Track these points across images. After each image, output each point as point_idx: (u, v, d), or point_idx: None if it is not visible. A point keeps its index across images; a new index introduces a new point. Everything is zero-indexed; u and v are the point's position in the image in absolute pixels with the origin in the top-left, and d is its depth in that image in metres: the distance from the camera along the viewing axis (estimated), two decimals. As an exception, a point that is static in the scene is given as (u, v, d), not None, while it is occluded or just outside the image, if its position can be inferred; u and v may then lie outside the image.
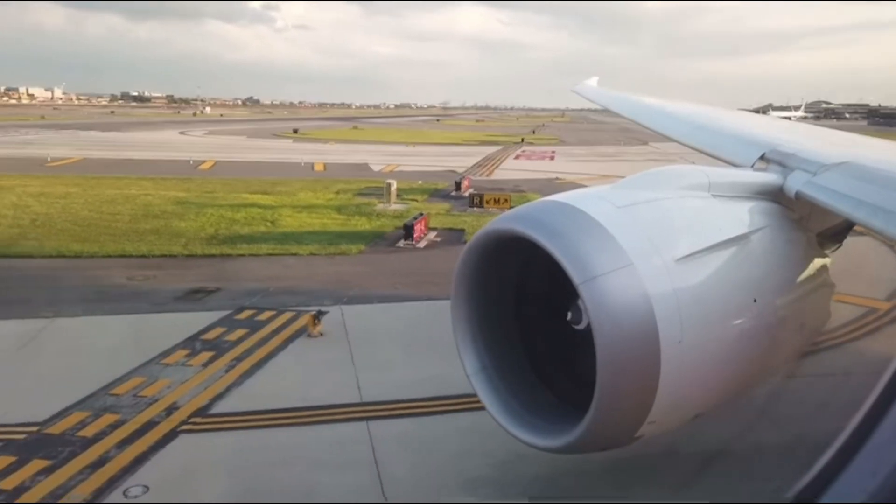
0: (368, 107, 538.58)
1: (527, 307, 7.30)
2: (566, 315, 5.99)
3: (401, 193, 37.27)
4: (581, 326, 5.78)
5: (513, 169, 56.30)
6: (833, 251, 8.84)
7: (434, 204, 35.75)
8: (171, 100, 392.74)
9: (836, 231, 8.81)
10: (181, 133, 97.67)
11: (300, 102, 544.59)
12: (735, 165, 8.91)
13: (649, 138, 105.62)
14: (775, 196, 7.53)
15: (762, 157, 8.43)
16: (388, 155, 66.74)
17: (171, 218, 29.79)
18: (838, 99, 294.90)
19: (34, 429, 10.71)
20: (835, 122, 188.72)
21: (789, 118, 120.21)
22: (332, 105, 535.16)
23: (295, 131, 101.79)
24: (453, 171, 52.50)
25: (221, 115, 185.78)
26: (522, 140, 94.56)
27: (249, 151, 69.29)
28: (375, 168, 54.57)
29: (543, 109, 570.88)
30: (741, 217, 6.89)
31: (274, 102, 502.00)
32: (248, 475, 9.62)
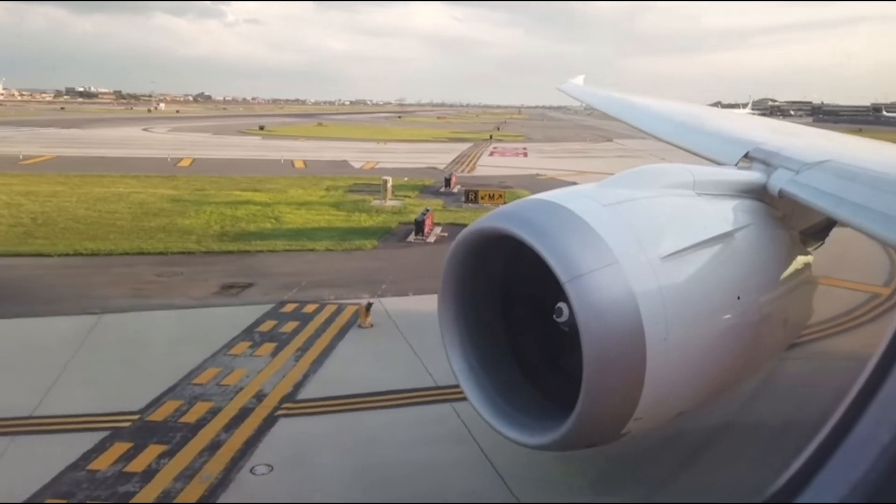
0: (323, 103, 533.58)
1: (513, 305, 7.37)
2: (552, 313, 5.97)
3: (392, 190, 37.86)
4: (567, 324, 5.76)
5: (491, 165, 57.30)
6: (815, 248, 9.05)
7: (427, 200, 36.39)
8: (119, 96, 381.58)
9: (818, 229, 8.94)
10: (144, 130, 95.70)
11: (253, 98, 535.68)
12: (719, 164, 9.01)
13: (614, 135, 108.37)
14: (759, 194, 7.61)
15: (746, 156, 8.53)
16: (363, 152, 66.94)
17: (171, 216, 29.75)
18: (783, 96, 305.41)
19: (135, 417, 11.13)
20: (780, 119, 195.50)
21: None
22: (287, 101, 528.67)
23: (261, 128, 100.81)
24: (434, 168, 53.26)
25: (178, 112, 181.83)
26: (491, 137, 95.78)
27: (223, 149, 68.58)
28: (356, 165, 54.90)
29: (499, 106, 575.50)
30: (725, 215, 6.95)
31: (226, 98, 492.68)
32: (358, 452, 10.30)
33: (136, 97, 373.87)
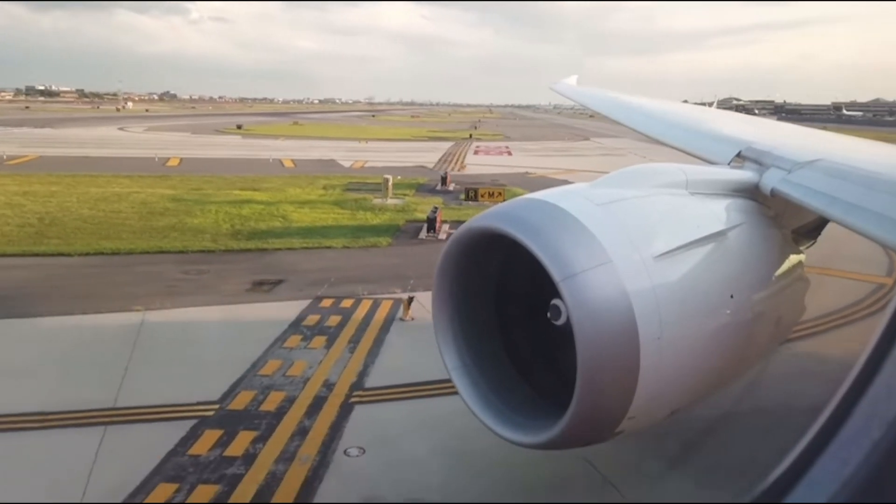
0: (292, 102, 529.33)
1: (507, 304, 7.38)
2: (546, 312, 5.93)
3: (398, 188, 38.28)
4: (561, 323, 5.75)
5: (479, 164, 58.01)
6: (808, 247, 9.11)
7: (425, 198, 36.93)
8: (81, 94, 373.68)
9: (811, 227, 9.02)
10: (120, 129, 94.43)
11: (220, 97, 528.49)
12: (712, 163, 9.05)
13: (590, 134, 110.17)
14: (751, 193, 7.64)
15: (738, 155, 8.57)
16: (349, 151, 67.23)
17: (178, 215, 29.83)
18: (747, 95, 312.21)
19: (216, 406, 11.56)
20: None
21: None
22: (255, 100, 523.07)
23: (239, 127, 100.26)
24: (423, 167, 53.92)
25: (147, 111, 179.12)
26: (470, 136, 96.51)
27: (207, 148, 68.20)
28: (345, 164, 55.19)
29: (469, 105, 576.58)
30: (718, 214, 6.97)
31: (192, 97, 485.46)
32: (440, 433, 10.89)
33: (99, 96, 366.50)
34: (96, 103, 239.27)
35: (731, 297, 6.49)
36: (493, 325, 7.32)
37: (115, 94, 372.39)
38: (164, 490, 9.08)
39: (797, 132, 14.40)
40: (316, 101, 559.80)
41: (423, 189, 41.12)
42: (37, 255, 22.33)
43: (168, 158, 53.62)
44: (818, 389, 10.21)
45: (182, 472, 9.54)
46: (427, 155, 63.89)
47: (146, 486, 9.19)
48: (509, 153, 69.98)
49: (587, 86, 29.56)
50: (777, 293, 7.41)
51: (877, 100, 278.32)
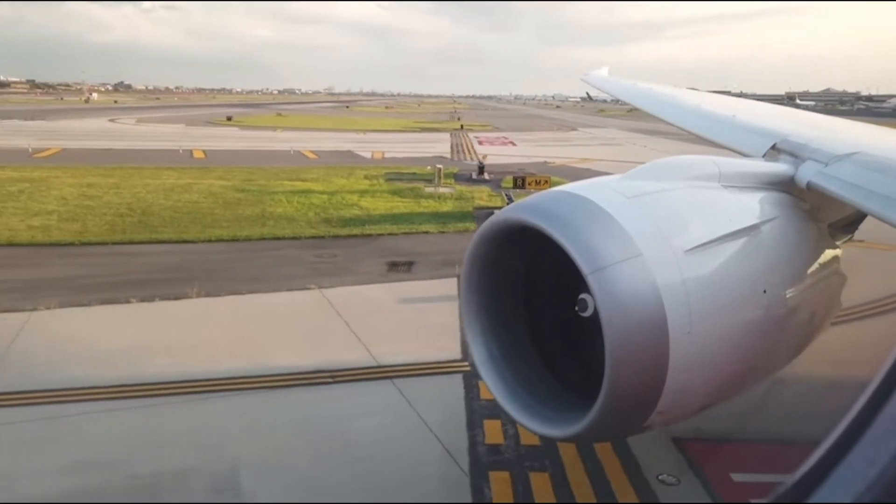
0: (251, 92, 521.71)
1: (535, 297, 7.38)
2: (574, 305, 5.88)
3: (434, 178, 40.04)
4: (589, 316, 5.71)
5: (492, 154, 59.91)
6: (844, 242, 8.94)
7: (470, 187, 38.74)
8: (33, 85, 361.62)
9: (847, 222, 8.86)
10: (111, 121, 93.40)
11: (177, 88, 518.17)
12: (746, 156, 8.96)
13: (574, 124, 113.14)
14: (786, 186, 7.52)
15: (773, 147, 8.46)
16: (357, 142, 68.45)
17: (255, 205, 30.96)
18: (704, 86, 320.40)
19: (466, 363, 13.40)
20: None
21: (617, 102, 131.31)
22: (212, 90, 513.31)
23: (229, 119, 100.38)
24: (441, 157, 55.59)
25: (115, 102, 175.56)
26: (462, 127, 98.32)
27: (217, 140, 68.32)
28: (364, 155, 56.53)
29: (430, 96, 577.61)
30: (752, 207, 6.83)
31: (148, 87, 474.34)
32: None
33: (53, 86, 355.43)
34: (57, 94, 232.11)
35: (764, 291, 6.41)
36: (521, 318, 7.37)
37: (68, 85, 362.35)
38: (491, 425, 10.97)
39: (834, 124, 14.31)
40: (275, 92, 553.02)
41: (460, 178, 42.82)
42: (161, 241, 23.53)
43: (191, 151, 54.20)
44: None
45: (490, 412, 11.42)
46: (437, 146, 65.63)
47: (474, 422, 11.07)
48: (513, 143, 72.16)
49: (619, 77, 31.42)
50: (811, 288, 7.24)
51: (828, 89, 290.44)
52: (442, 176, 38.05)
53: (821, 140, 8.05)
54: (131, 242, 23.26)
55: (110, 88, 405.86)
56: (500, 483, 9.49)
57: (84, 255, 21.82)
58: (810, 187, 7.31)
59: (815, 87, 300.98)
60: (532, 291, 7.35)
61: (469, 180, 42.33)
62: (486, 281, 6.98)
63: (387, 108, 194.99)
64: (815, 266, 7.37)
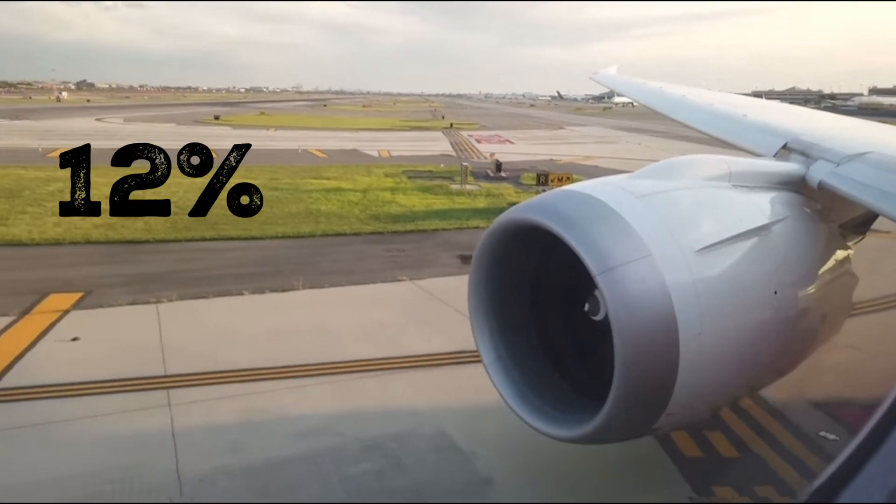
0: (217, 90, 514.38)
1: (543, 297, 7.35)
2: (583, 305, 5.90)
3: (452, 176, 41.04)
4: (598, 317, 5.70)
5: (496, 152, 61.07)
6: (856, 242, 8.85)
7: (493, 184, 39.85)
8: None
9: (859, 222, 8.77)
10: (98, 120, 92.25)
11: (141, 86, 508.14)
12: (756, 155, 8.89)
13: (562, 123, 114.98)
14: (797, 186, 7.46)
15: (784, 147, 8.39)
16: (357, 141, 68.92)
17: (297, 202, 31.50)
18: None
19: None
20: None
21: (632, 104, 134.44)
22: (178, 89, 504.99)
23: (216, 118, 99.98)
24: (446, 155, 56.64)
25: (88, 101, 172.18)
26: (451, 125, 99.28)
27: (217, 139, 67.51)
28: (371, 153, 57.19)
29: (400, 94, 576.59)
30: (762, 207, 6.76)
31: (112, 86, 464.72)
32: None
33: (11, 85, 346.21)
34: (23, 93, 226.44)
35: (775, 292, 6.35)
36: (529, 318, 7.36)
37: (30, 84, 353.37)
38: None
39: (845, 123, 14.33)
40: (242, 90, 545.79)
41: (477, 176, 43.82)
42: (228, 238, 24.13)
43: (200, 150, 54.21)
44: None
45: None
46: (436, 144, 66.59)
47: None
48: (510, 142, 73.39)
49: (628, 76, 32.54)
50: (823, 289, 7.16)
51: (792, 88, 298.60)
52: (468, 174, 39.04)
53: (832, 139, 8.05)
54: (203, 239, 23.88)
55: (73, 87, 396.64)
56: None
57: (162, 251, 22.45)
58: (821, 187, 7.29)
59: (780, 86, 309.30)
60: (540, 292, 7.37)
61: (487, 178, 43.36)
62: (494, 281, 7.06)
63: (364, 106, 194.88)
64: (826, 267, 7.32)
